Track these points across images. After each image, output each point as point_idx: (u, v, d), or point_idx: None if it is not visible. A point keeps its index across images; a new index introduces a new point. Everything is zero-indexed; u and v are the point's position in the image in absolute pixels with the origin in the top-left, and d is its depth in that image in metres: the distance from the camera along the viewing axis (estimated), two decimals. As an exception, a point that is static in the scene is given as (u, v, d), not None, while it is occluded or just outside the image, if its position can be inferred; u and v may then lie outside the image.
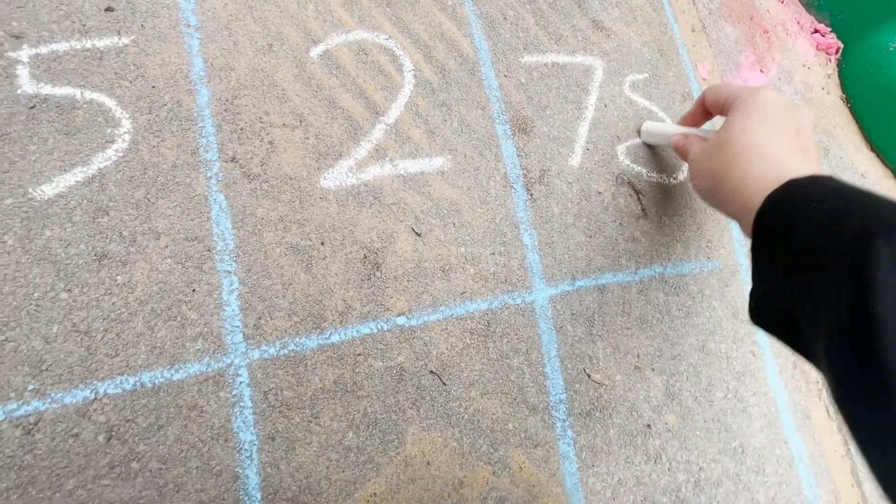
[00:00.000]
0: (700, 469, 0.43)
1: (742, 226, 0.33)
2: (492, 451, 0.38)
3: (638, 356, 0.44)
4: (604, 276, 0.45)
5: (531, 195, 0.45)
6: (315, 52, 0.42)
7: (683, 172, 0.51)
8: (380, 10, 0.45)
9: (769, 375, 0.49)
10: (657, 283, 0.47)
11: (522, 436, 0.39)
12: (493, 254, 0.42)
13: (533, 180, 0.45)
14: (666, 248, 0.48)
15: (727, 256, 0.51)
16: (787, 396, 0.49)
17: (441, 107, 0.45)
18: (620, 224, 0.47)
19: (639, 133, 0.50)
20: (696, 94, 0.55)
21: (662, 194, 0.49)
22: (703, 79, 0.56)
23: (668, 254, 0.48)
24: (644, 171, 0.49)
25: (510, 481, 0.38)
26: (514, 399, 0.40)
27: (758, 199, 0.31)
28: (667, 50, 0.55)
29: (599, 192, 0.47)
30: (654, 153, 0.51)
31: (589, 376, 0.42)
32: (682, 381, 0.45)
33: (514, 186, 0.45)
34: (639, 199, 0.48)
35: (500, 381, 0.40)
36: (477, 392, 0.39)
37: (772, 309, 0.30)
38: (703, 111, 0.44)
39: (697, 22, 0.59)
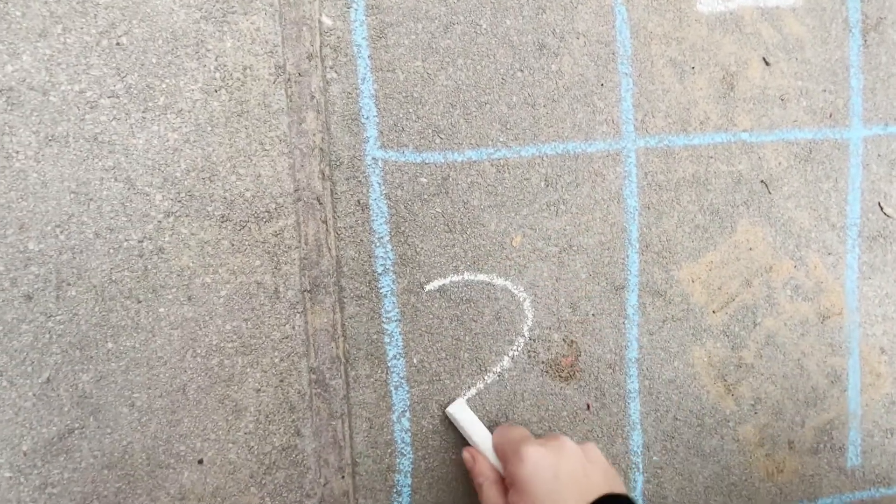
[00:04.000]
0: (952, 300, 0.51)
1: None
2: (796, 250, 0.48)
3: (924, 201, 0.50)
4: (912, 127, 0.50)
5: (865, 41, 0.48)
6: None
7: None
8: None
9: None
10: (957, 140, 0.51)
11: (821, 244, 0.48)
12: (824, 91, 0.48)
13: (869, 27, 0.48)
14: (974, 110, 0.51)
15: None
16: None
17: (802, -57, 0.47)
18: (938, 80, 0.50)
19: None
20: None
21: (985, 57, 0.51)
22: None
23: (974, 115, 0.51)
24: (972, 31, 0.50)
25: (805, 275, 0.48)
26: (820, 215, 0.48)
27: None
28: None
29: (925, 47, 0.50)
30: None
31: (881, 208, 0.49)
32: (956, 229, 0.51)
33: (853, 31, 0.48)
34: (961, 58, 0.50)
35: (811, 199, 0.48)
36: (792, 204, 0.48)
37: None
38: None
39: None
